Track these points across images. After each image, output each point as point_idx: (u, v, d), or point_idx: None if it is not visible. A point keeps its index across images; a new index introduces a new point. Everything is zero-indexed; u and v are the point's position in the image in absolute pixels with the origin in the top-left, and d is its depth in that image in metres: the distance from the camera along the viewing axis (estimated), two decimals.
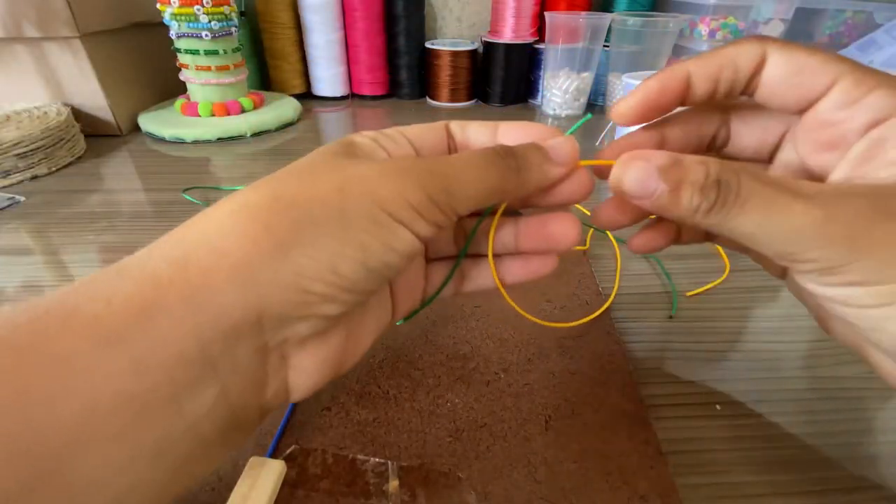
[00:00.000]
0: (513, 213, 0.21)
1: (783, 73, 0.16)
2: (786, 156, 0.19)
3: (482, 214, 0.21)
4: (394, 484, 0.18)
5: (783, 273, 0.19)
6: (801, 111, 0.17)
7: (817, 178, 0.17)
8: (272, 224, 0.14)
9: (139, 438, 0.12)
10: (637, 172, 0.15)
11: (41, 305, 0.12)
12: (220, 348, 0.13)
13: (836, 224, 0.13)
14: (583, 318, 0.28)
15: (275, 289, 0.13)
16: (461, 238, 0.22)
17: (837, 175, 0.16)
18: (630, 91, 0.17)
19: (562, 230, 0.19)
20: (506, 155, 0.17)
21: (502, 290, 0.21)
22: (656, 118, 0.18)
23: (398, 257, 0.15)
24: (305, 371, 0.16)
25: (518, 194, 0.18)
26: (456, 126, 0.20)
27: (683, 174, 0.15)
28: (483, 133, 0.20)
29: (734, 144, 0.19)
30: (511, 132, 0.19)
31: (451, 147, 0.20)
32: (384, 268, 0.15)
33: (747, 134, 0.19)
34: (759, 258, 0.20)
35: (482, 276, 0.22)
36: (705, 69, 0.17)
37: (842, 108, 0.15)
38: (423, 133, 0.20)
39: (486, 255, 0.21)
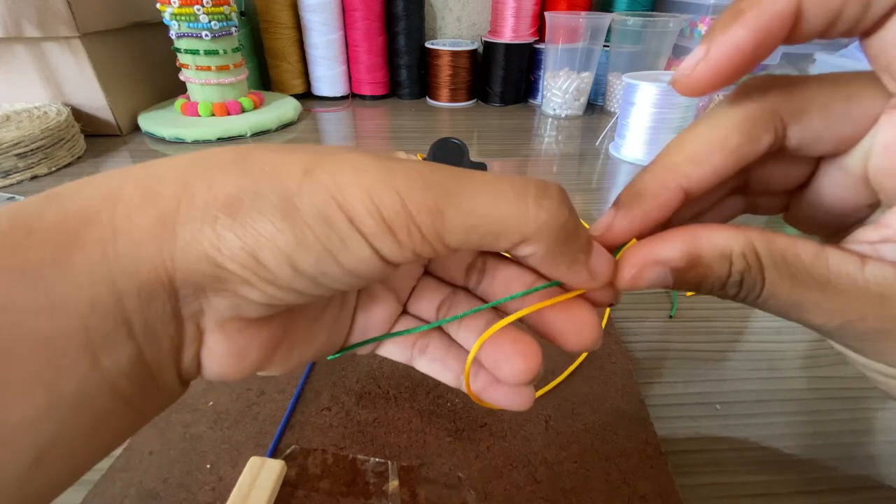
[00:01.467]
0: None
1: None
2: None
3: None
4: (394, 484, 0.18)
5: None
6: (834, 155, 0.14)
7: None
8: (215, 182, 0.12)
9: (56, 384, 0.11)
10: (651, 279, 0.13)
11: None
12: (134, 305, 0.12)
13: (857, 331, 0.12)
14: None
15: (188, 252, 0.12)
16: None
17: (880, 227, 0.13)
18: (705, 43, 0.12)
19: (573, 326, 0.15)
20: (557, 197, 0.13)
21: (470, 392, 0.16)
22: (737, 81, 0.13)
23: (341, 272, 0.12)
24: (217, 353, 0.14)
25: (540, 252, 0.13)
26: None
27: (702, 276, 0.13)
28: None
29: (801, 138, 0.14)
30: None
31: None
32: (320, 275, 0.13)
33: (821, 127, 0.14)
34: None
35: (442, 352, 0.18)
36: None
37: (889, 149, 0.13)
38: None
39: (463, 316, 0.17)
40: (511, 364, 0.15)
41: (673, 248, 0.13)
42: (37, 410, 0.11)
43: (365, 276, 0.13)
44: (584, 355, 0.25)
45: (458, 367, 0.17)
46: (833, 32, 0.12)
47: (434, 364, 0.18)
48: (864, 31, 0.12)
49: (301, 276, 0.12)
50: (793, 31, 0.12)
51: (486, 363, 0.16)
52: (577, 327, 0.15)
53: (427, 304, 0.19)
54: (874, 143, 0.13)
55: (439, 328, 0.18)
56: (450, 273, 0.19)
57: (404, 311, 0.19)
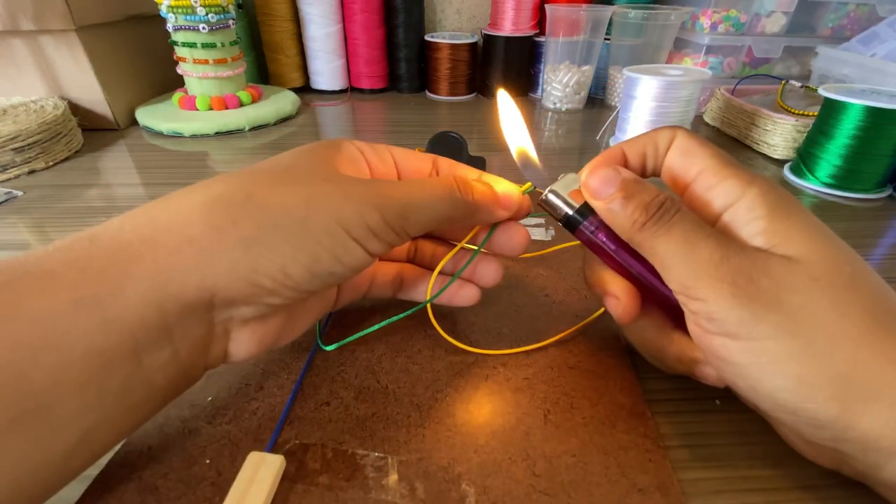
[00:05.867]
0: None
1: (676, 153, 0.19)
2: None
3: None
4: (393, 478, 0.18)
5: (690, 371, 0.20)
6: (680, 192, 0.20)
7: None
8: (239, 221, 0.16)
9: (105, 384, 0.14)
10: (603, 174, 0.18)
11: (19, 267, 0.14)
12: (176, 319, 0.15)
13: (726, 268, 0.16)
14: (581, 311, 0.28)
15: (229, 277, 0.16)
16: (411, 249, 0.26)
17: None
18: (597, 170, 0.19)
19: (511, 238, 0.23)
20: (463, 190, 0.20)
21: (431, 316, 0.25)
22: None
23: (344, 269, 0.18)
24: (244, 343, 0.18)
25: (464, 223, 0.22)
26: (445, 164, 0.23)
27: (639, 189, 0.18)
28: (467, 174, 0.23)
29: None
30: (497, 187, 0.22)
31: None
32: (329, 276, 0.18)
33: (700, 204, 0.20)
34: (667, 361, 0.21)
35: (419, 291, 0.26)
36: (634, 147, 0.20)
37: (705, 190, 0.18)
38: (409, 158, 0.23)
39: (432, 271, 0.24)
40: (511, 240, 0.23)
41: (629, 171, 0.19)
42: (87, 403, 0.14)
43: (360, 268, 0.18)
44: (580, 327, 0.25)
45: (426, 288, 0.25)
46: (647, 167, 0.20)
47: (410, 291, 0.26)
48: (660, 166, 0.20)
49: (316, 279, 0.17)
50: (626, 164, 0.20)
51: (492, 250, 0.23)
52: (517, 241, 0.23)
53: (400, 250, 0.26)
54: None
55: (410, 263, 0.26)
56: (393, 256, 0.26)
57: (381, 258, 0.26)
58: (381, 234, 0.18)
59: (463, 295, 0.24)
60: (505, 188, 0.22)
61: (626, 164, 0.20)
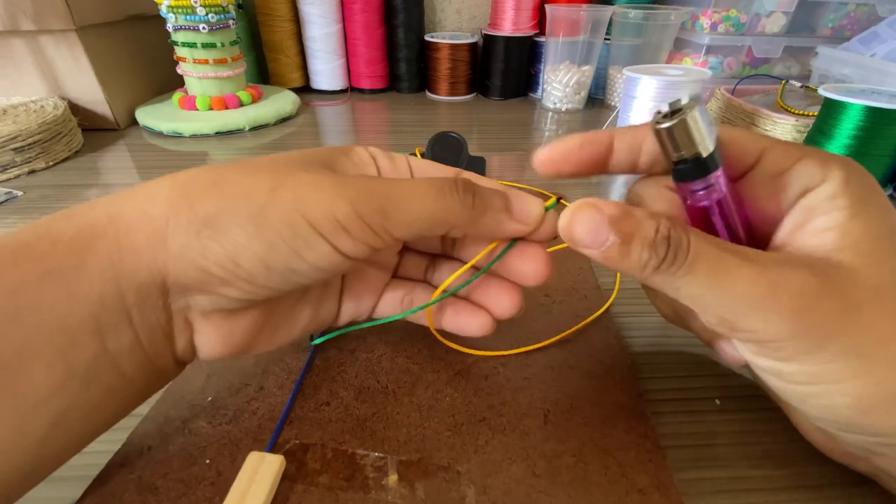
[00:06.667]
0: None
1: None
2: None
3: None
4: (393, 478, 0.18)
5: (710, 343, 0.19)
6: (732, 180, 0.17)
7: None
8: (196, 202, 0.15)
9: (72, 361, 0.14)
10: (588, 221, 0.15)
11: None
12: (133, 301, 0.15)
13: (779, 297, 0.14)
14: (581, 311, 0.28)
15: (179, 262, 0.15)
16: (431, 265, 0.23)
17: (775, 243, 0.16)
18: (553, 141, 0.17)
19: (530, 268, 0.19)
20: (463, 190, 0.17)
21: (433, 330, 0.23)
22: (572, 173, 0.18)
23: (307, 266, 0.16)
24: (209, 339, 0.17)
25: (466, 231, 0.18)
26: (469, 177, 0.20)
27: (634, 227, 0.14)
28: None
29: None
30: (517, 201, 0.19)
31: None
32: (289, 272, 0.16)
33: None
34: (692, 327, 0.20)
35: (426, 312, 0.22)
36: (629, 138, 0.17)
37: (773, 178, 0.16)
38: (428, 169, 0.20)
39: (442, 285, 0.21)
40: (528, 269, 0.19)
41: (611, 203, 0.15)
42: (56, 382, 0.14)
43: (328, 269, 0.16)
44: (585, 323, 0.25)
45: (437, 310, 0.22)
46: (642, 164, 0.17)
47: (419, 312, 0.22)
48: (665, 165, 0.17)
49: (273, 273, 0.15)
50: (610, 156, 0.17)
51: (510, 275, 0.20)
52: (532, 268, 0.19)
53: (414, 268, 0.23)
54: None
55: (425, 283, 0.23)
56: (428, 246, 0.23)
57: (394, 275, 0.23)
58: (354, 231, 0.15)
59: (473, 323, 0.21)
60: (523, 199, 0.18)
61: (610, 156, 0.17)
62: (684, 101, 0.15)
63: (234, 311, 0.17)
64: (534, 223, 0.18)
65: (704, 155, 0.14)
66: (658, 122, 0.15)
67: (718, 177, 0.15)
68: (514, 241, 0.19)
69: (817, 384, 0.14)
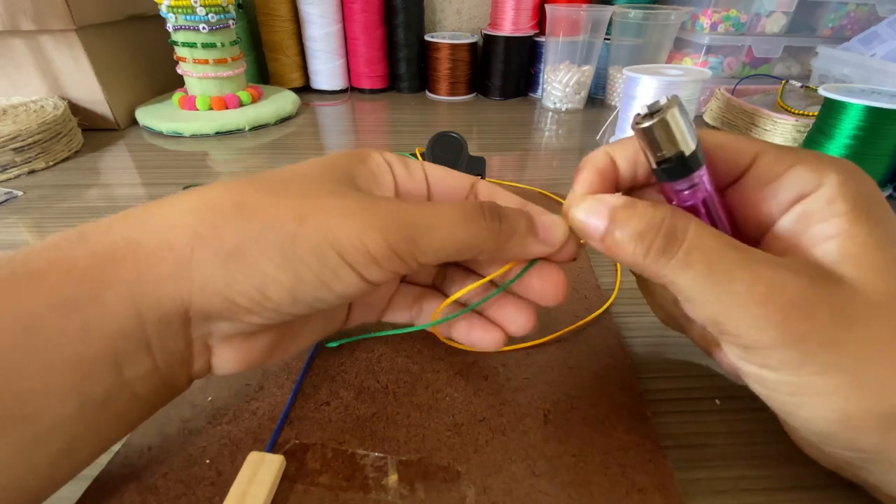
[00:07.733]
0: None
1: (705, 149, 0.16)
2: None
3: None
4: (393, 478, 0.18)
5: (706, 350, 0.19)
6: (724, 187, 0.17)
7: None
8: (222, 231, 0.14)
9: (87, 393, 0.14)
10: (589, 209, 0.15)
11: (6, 266, 0.13)
12: (154, 330, 0.14)
13: (775, 302, 0.13)
14: (582, 312, 0.28)
15: (204, 292, 0.14)
16: (440, 273, 0.23)
17: (767, 247, 0.16)
18: (577, 180, 0.18)
19: (546, 287, 0.19)
20: (490, 216, 0.16)
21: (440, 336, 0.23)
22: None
23: (334, 296, 0.15)
24: (228, 360, 0.17)
25: (492, 256, 0.18)
26: (485, 188, 0.20)
27: (634, 215, 0.15)
28: (508, 202, 0.19)
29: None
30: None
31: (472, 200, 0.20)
32: (315, 301, 0.15)
33: None
34: (688, 331, 0.20)
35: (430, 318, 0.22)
36: (625, 150, 0.17)
37: (766, 182, 0.16)
38: (444, 177, 0.20)
39: (452, 296, 0.21)
40: (545, 290, 0.19)
41: (614, 195, 0.16)
42: (70, 413, 0.13)
43: (353, 296, 0.16)
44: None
45: (448, 321, 0.22)
46: (639, 176, 0.18)
47: (427, 320, 0.22)
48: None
49: (300, 303, 0.15)
50: (617, 173, 0.17)
51: (527, 294, 0.20)
52: (552, 289, 0.19)
53: (424, 274, 0.23)
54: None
55: (434, 289, 0.23)
56: (419, 278, 0.23)
57: (403, 280, 0.23)
58: (382, 261, 0.15)
59: (486, 339, 0.21)
60: (547, 220, 0.18)
61: (615, 174, 0.18)
62: (663, 101, 0.15)
63: (256, 332, 0.17)
64: (558, 245, 0.18)
65: (687, 153, 0.15)
66: (638, 123, 0.15)
67: (702, 175, 0.15)
68: (535, 260, 0.19)
69: (800, 396, 0.14)
